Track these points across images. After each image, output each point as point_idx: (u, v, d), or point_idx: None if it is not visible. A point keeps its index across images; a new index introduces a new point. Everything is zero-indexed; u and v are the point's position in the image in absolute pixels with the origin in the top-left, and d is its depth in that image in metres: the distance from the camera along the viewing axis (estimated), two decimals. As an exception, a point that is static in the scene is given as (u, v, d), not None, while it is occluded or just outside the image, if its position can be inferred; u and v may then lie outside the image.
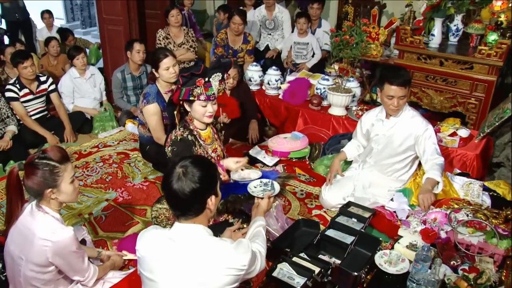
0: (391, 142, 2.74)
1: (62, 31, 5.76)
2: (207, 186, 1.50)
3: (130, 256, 2.32)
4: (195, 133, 2.36)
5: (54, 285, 1.83)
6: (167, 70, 3.07)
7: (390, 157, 2.78)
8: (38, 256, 1.73)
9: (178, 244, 1.47)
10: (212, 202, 1.52)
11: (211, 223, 2.31)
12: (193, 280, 1.44)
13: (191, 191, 1.44)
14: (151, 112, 3.07)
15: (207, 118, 2.32)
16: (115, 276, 2.06)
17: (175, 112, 2.35)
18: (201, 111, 2.28)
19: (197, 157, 1.61)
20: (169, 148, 2.31)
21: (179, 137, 2.30)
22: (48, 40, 4.89)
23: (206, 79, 2.23)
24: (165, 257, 1.47)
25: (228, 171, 2.38)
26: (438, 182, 2.53)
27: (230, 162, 2.35)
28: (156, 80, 3.18)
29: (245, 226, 2.28)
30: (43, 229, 1.73)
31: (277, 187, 2.09)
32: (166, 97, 3.16)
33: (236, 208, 2.43)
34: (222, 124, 2.69)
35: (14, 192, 1.79)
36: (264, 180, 2.17)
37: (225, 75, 2.32)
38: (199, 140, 2.37)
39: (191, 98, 2.25)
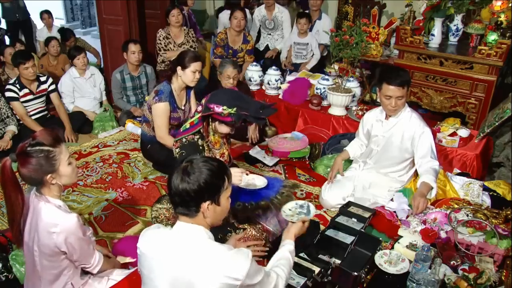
0: (390, 144, 2.74)
1: (63, 31, 5.76)
2: (204, 191, 1.43)
3: (124, 259, 2.32)
4: (205, 137, 2.37)
5: (72, 271, 1.82)
6: (194, 73, 3.06)
7: (390, 158, 2.78)
8: (48, 247, 1.71)
9: (177, 243, 1.46)
10: (208, 208, 1.45)
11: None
12: (184, 281, 1.40)
13: (183, 189, 1.41)
14: (161, 110, 3.07)
15: (224, 132, 2.36)
16: (119, 274, 2.06)
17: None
18: (223, 130, 2.33)
19: (210, 160, 1.50)
20: (177, 150, 2.32)
21: (190, 141, 2.30)
22: (48, 40, 4.89)
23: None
24: (165, 256, 1.46)
25: None
26: (432, 188, 2.52)
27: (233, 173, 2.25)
28: (173, 79, 3.14)
29: (246, 226, 2.29)
30: (46, 219, 1.70)
31: (312, 210, 1.97)
32: (178, 100, 3.16)
33: (244, 217, 2.36)
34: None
35: (12, 187, 1.70)
36: (300, 202, 2.05)
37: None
38: (209, 144, 2.39)
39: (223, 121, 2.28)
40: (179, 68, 3.08)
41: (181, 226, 1.49)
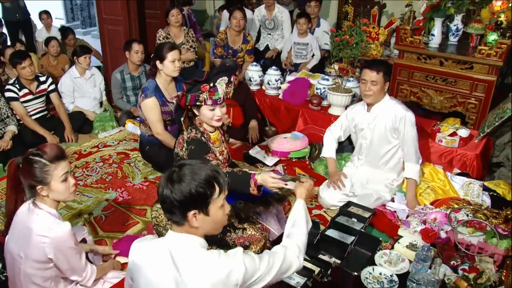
0: (376, 133, 2.80)
1: (64, 29, 5.75)
2: (188, 201, 1.36)
3: (124, 260, 2.32)
4: (205, 135, 2.32)
5: (54, 283, 1.82)
6: (173, 62, 3.07)
7: (379, 148, 2.84)
8: (37, 253, 1.72)
9: (170, 254, 1.39)
10: (196, 218, 1.38)
11: None
12: None
13: (167, 197, 1.36)
14: (149, 106, 3.06)
15: (216, 122, 2.27)
16: (115, 276, 2.06)
17: (182, 119, 2.31)
18: (209, 115, 2.24)
19: (201, 169, 1.41)
20: (186, 146, 2.23)
21: (193, 138, 2.24)
22: (48, 40, 4.89)
23: (211, 84, 2.18)
24: (158, 268, 1.39)
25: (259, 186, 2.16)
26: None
27: (268, 178, 2.11)
28: (157, 74, 3.15)
29: (245, 226, 2.28)
30: (39, 225, 1.72)
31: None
32: (166, 94, 3.15)
33: (247, 216, 2.33)
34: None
35: (13, 184, 1.79)
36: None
37: (233, 78, 2.26)
38: (208, 142, 2.33)
39: (198, 103, 2.22)
40: (158, 62, 3.09)
41: (172, 236, 1.43)
